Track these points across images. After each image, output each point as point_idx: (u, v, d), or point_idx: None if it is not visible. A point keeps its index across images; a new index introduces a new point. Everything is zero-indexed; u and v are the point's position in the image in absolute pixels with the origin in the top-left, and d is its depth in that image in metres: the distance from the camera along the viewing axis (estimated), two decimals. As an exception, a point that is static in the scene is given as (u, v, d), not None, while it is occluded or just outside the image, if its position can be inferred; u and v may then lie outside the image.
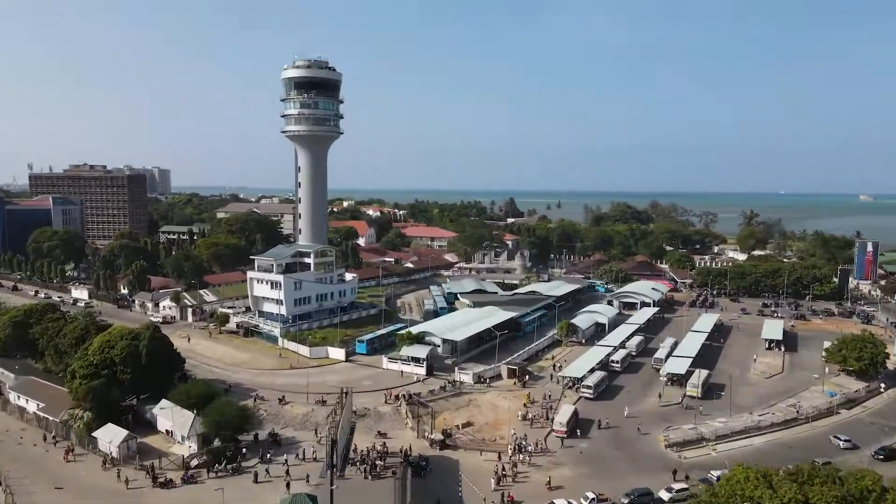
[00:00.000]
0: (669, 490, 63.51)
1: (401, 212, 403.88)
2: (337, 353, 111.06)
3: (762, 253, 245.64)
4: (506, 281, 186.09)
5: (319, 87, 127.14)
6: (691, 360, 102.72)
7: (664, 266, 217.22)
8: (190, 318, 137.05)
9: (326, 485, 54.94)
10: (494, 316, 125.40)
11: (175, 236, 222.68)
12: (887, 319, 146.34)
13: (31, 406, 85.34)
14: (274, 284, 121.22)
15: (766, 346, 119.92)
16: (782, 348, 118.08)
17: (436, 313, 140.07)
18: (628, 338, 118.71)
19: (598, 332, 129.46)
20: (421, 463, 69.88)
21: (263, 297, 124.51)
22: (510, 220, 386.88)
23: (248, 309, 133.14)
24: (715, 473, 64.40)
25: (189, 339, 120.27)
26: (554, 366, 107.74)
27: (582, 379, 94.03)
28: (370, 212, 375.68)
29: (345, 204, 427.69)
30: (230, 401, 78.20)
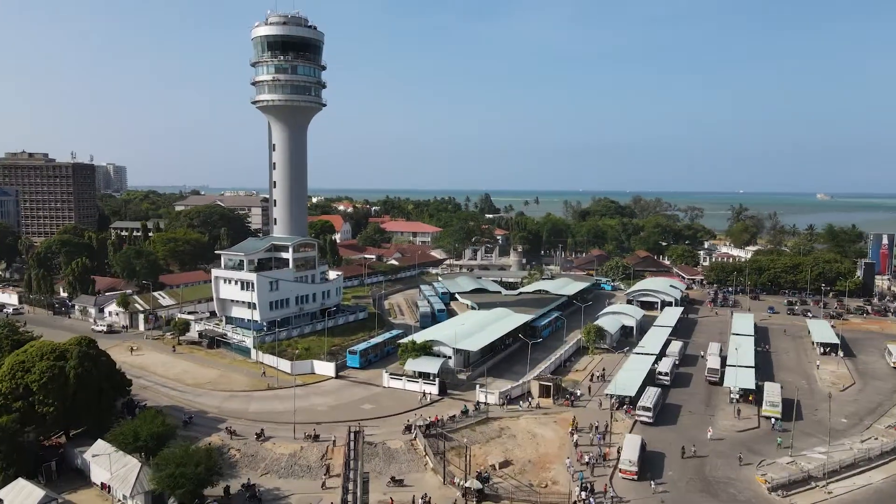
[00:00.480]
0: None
1: (374, 207, 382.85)
2: (324, 367, 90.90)
3: (758, 247, 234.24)
4: (503, 279, 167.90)
5: (298, 49, 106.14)
6: (753, 370, 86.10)
7: (666, 262, 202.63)
8: (142, 327, 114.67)
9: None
10: (507, 319, 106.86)
11: (127, 233, 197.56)
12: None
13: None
14: (245, 285, 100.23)
15: (821, 350, 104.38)
16: (840, 353, 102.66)
17: (433, 316, 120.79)
18: (666, 343, 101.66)
19: (623, 336, 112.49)
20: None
21: (232, 300, 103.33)
22: (489, 216, 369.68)
23: (212, 314, 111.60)
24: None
25: (132, 351, 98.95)
26: (592, 377, 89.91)
27: (637, 398, 76.09)
28: (341, 207, 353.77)
29: (314, 200, 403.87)
30: (191, 447, 57.36)
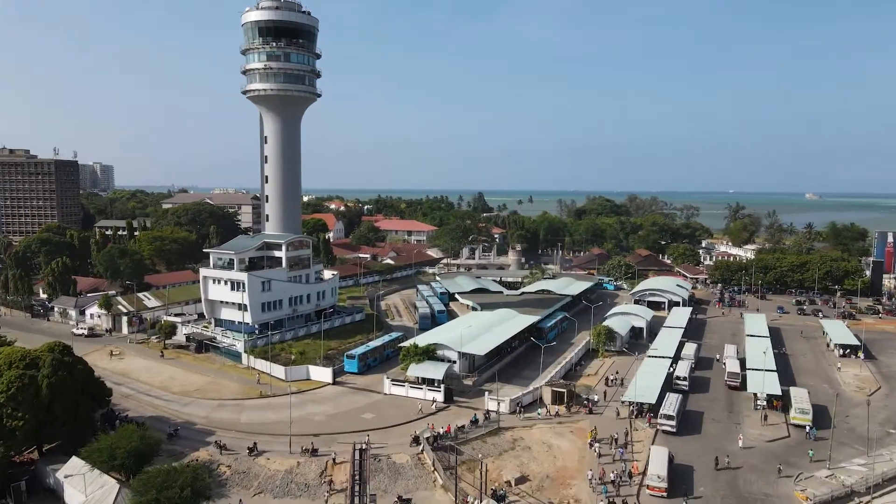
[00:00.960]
0: None
1: (366, 206, 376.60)
2: (321, 373, 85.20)
3: (756, 246, 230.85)
4: (503, 278, 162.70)
5: (291, 35, 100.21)
6: (776, 374, 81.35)
7: (667, 260, 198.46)
8: (125, 330, 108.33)
9: None
10: (513, 321, 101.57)
11: (112, 231, 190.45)
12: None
13: None
14: (235, 285, 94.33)
15: (840, 352, 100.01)
16: (861, 355, 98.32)
17: (433, 318, 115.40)
18: (680, 346, 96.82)
19: (632, 337, 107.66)
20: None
21: (221, 302, 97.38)
22: (484, 215, 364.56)
23: (201, 316, 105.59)
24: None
25: (112, 355, 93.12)
26: (608, 381, 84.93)
27: (658, 405, 71.02)
28: (332, 207, 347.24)
29: (304, 199, 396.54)
30: (176, 465, 51.51)
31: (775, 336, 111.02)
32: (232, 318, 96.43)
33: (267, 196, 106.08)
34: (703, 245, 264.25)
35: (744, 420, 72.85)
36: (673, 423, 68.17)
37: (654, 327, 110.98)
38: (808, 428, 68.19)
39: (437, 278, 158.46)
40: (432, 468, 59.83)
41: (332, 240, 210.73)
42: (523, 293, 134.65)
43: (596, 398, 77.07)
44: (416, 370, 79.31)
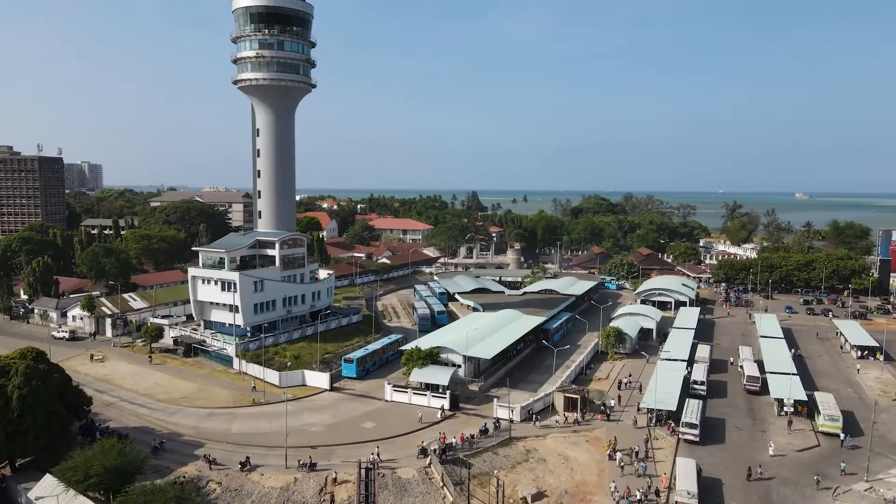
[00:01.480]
0: None
1: (360, 205, 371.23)
2: (318, 378, 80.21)
3: (754, 245, 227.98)
4: (503, 278, 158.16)
5: (284, 22, 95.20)
6: (798, 378, 77.26)
7: (667, 259, 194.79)
8: (109, 332, 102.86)
9: None
10: (519, 322, 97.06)
11: (97, 230, 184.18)
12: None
13: None
14: (226, 285, 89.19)
15: (857, 354, 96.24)
16: (881, 357, 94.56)
17: (433, 319, 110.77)
18: (693, 348, 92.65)
19: (641, 339, 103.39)
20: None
21: (211, 303, 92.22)
22: (480, 214, 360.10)
23: (189, 318, 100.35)
24: None
25: (92, 359, 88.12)
26: (620, 385, 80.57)
27: (678, 412, 66.64)
28: (325, 205, 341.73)
29: (297, 197, 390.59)
30: (159, 484, 46.51)
31: (788, 337, 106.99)
32: (223, 320, 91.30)
33: (259, 192, 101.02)
34: (702, 244, 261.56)
35: (768, 427, 68.61)
36: (696, 431, 63.78)
37: (662, 328, 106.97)
38: (841, 436, 64.00)
39: (436, 278, 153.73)
40: (441, 483, 55.10)
41: (325, 239, 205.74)
42: (525, 293, 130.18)
43: (612, 404, 72.63)
44: (420, 375, 74.56)
